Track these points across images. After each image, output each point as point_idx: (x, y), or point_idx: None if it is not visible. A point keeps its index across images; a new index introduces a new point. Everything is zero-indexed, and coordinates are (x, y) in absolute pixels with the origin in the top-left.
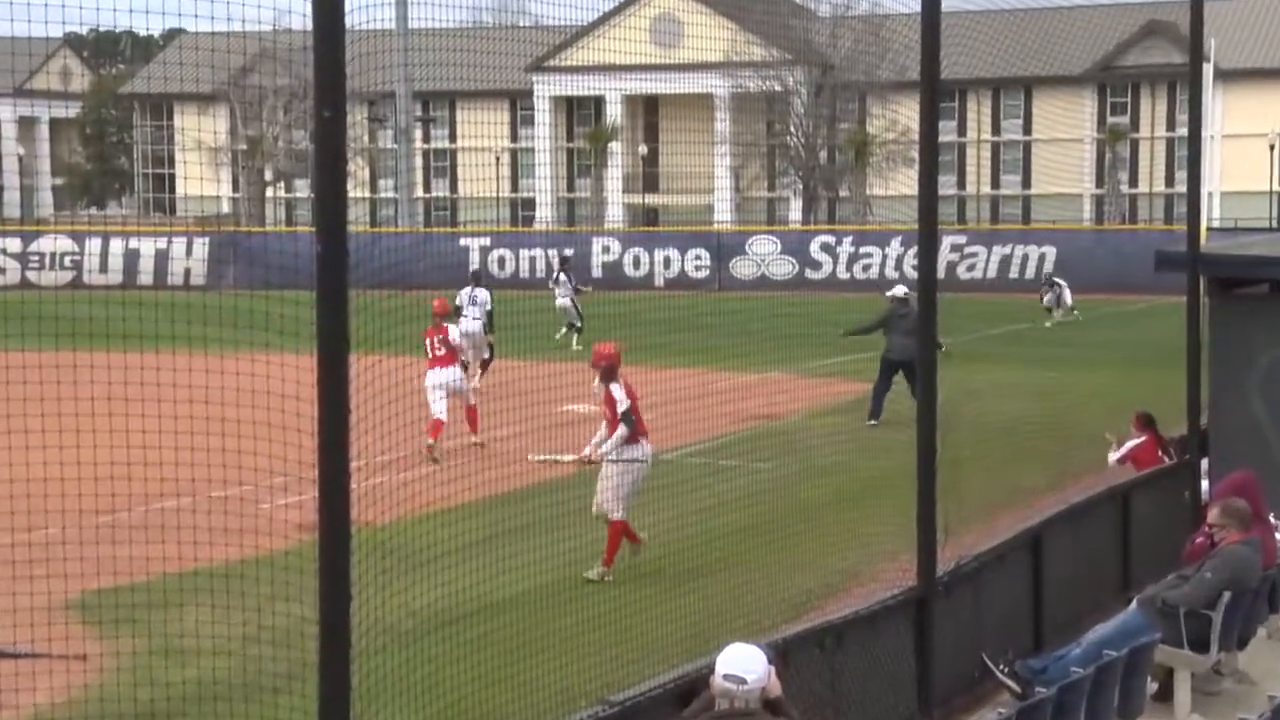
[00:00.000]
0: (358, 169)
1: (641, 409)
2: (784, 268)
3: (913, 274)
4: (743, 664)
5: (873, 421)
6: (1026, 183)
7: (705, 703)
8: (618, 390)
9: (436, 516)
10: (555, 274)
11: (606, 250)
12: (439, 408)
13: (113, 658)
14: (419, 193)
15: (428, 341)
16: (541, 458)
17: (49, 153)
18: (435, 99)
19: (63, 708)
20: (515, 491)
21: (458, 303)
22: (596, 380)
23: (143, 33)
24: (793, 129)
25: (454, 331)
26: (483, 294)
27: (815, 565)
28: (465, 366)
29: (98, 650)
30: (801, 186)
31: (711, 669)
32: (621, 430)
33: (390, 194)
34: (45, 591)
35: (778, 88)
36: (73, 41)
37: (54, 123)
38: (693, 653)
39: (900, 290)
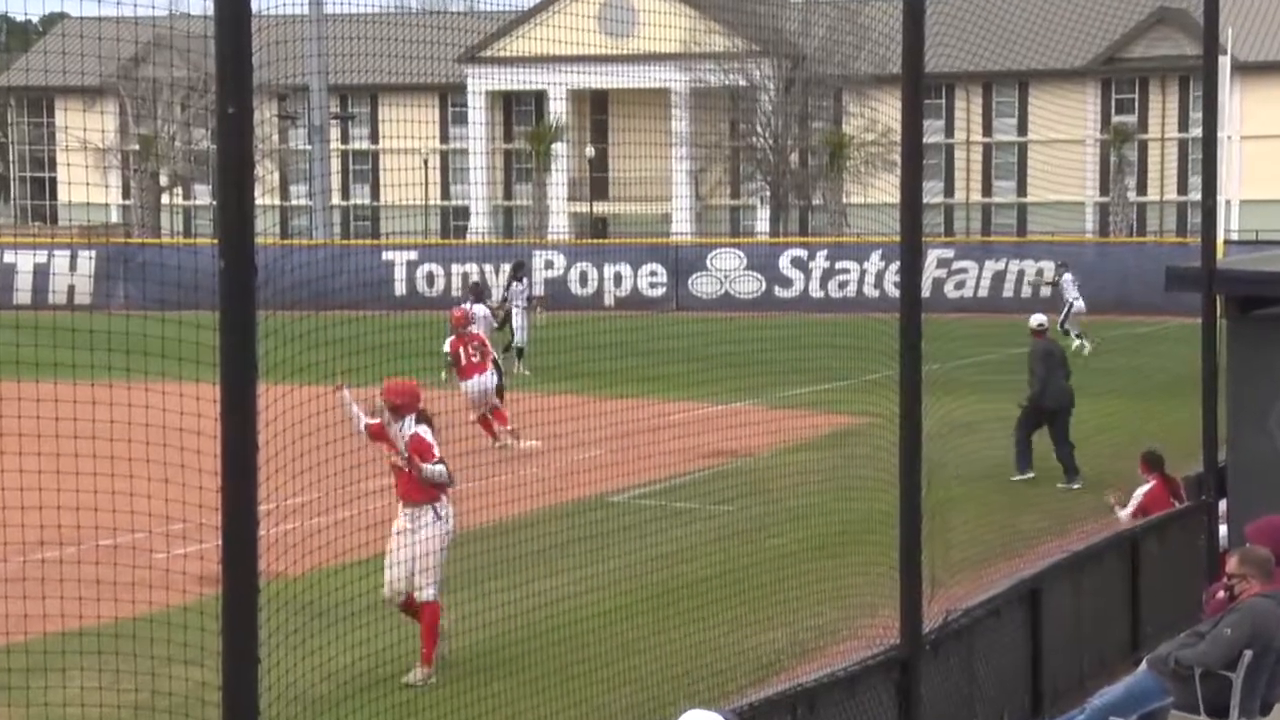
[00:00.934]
0: (266, 173)
1: (584, 442)
2: (750, 284)
3: (894, 292)
4: None
5: (1026, 475)
6: (1022, 189)
7: None
8: (427, 432)
9: (355, 567)
10: (508, 284)
11: (550, 265)
12: (474, 413)
13: None
14: (336, 200)
15: (461, 351)
16: None
17: None
18: (354, 94)
19: None
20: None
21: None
22: (395, 422)
23: (19, 18)
24: (759, 129)
25: (482, 330)
26: (481, 309)
27: (785, 621)
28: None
29: None
30: (769, 193)
31: None
32: (440, 467)
33: (304, 201)
34: None
35: (742, 82)
36: None
37: None
38: (645, 719)
39: (1041, 320)
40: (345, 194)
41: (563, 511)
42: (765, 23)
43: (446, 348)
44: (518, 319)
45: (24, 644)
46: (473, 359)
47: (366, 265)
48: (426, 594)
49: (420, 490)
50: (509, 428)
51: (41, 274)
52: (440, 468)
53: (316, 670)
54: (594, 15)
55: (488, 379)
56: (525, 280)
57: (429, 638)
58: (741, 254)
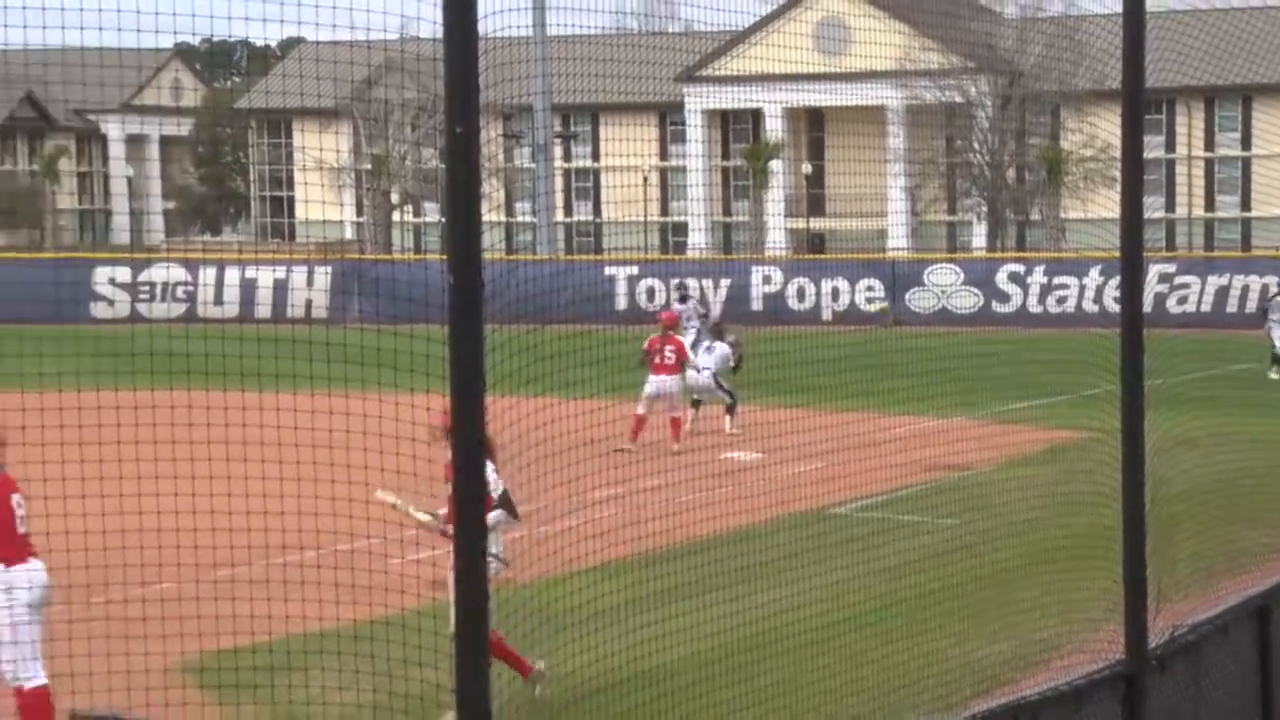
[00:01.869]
0: (492, 190)
1: (806, 455)
2: (967, 300)
3: (1114, 307)
4: None
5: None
6: (1245, 204)
7: None
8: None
9: (582, 575)
10: (688, 306)
11: (767, 280)
12: (643, 406)
13: None
14: (559, 216)
15: (656, 348)
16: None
17: (159, 174)
18: (577, 113)
19: None
20: (666, 549)
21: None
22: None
23: (259, 43)
24: (976, 145)
25: (710, 355)
26: (686, 307)
27: (1008, 634)
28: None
29: (216, 717)
30: (986, 209)
31: None
32: (495, 515)
33: (528, 218)
34: (160, 652)
35: (958, 99)
36: (184, 53)
37: (164, 141)
38: None
39: None
40: (568, 210)
41: (786, 524)
42: (980, 40)
43: (645, 344)
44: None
45: (268, 644)
46: (666, 359)
47: (589, 280)
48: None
49: None
50: (676, 447)
51: (280, 289)
52: (495, 515)
53: (547, 674)
54: (809, 34)
55: (671, 383)
56: (692, 301)
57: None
58: (958, 269)
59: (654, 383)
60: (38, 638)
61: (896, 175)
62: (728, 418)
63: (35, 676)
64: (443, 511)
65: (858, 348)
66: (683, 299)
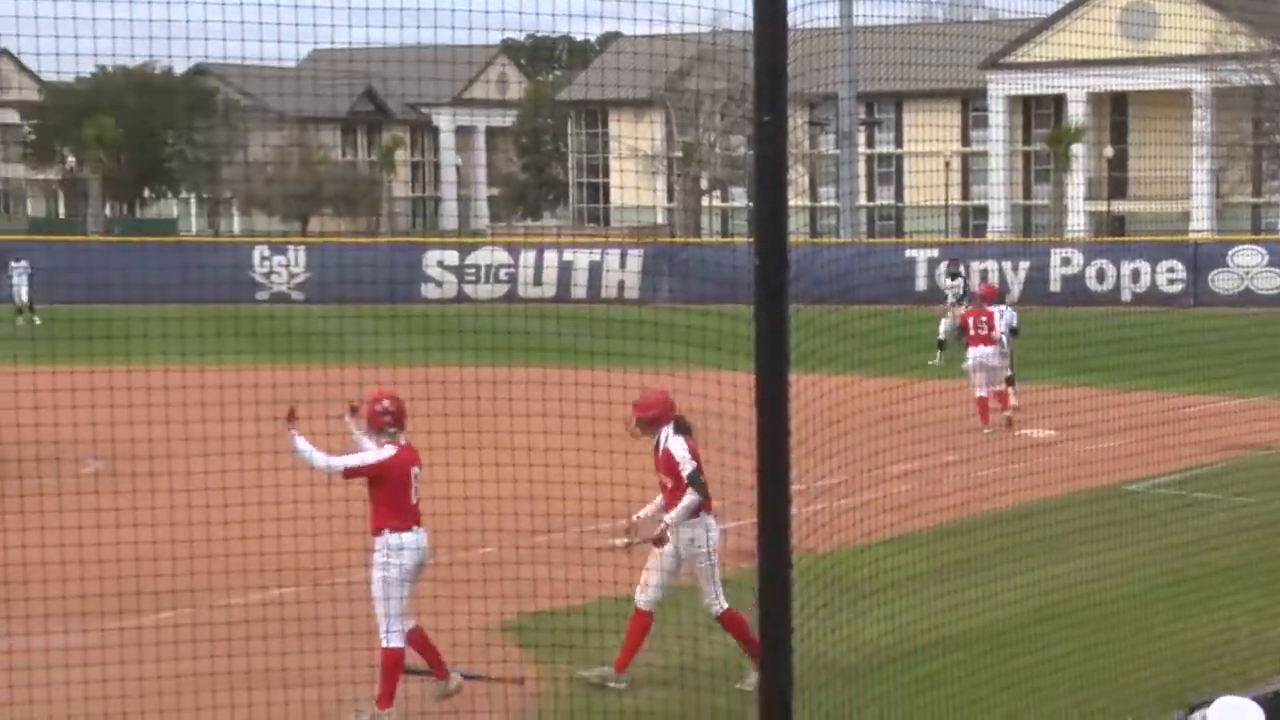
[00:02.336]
0: (798, 176)
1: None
2: (1272, 281)
3: None
4: None
5: None
6: None
7: None
8: (680, 446)
9: (879, 546)
10: (957, 283)
11: (1066, 262)
12: (980, 389)
13: (550, 683)
14: (862, 201)
15: (970, 321)
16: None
17: (485, 163)
18: (880, 100)
19: None
20: (960, 521)
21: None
22: (647, 435)
23: (579, 37)
24: None
25: (1000, 319)
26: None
27: None
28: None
29: (534, 674)
30: None
31: None
32: (690, 498)
33: (832, 202)
34: (483, 612)
35: (1267, 81)
36: (510, 48)
37: (490, 132)
38: (1165, 703)
39: None
40: (870, 195)
41: (1080, 499)
42: None
43: (956, 319)
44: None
45: (582, 606)
46: (980, 331)
47: (890, 262)
48: (716, 608)
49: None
50: (1007, 413)
51: (595, 270)
52: (689, 499)
53: (845, 641)
54: (1115, 20)
55: (989, 353)
56: (961, 279)
57: (744, 640)
58: (1263, 251)
59: (972, 355)
60: (404, 604)
61: (1201, 158)
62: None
63: (392, 638)
64: (644, 513)
65: (1154, 328)
66: (953, 275)
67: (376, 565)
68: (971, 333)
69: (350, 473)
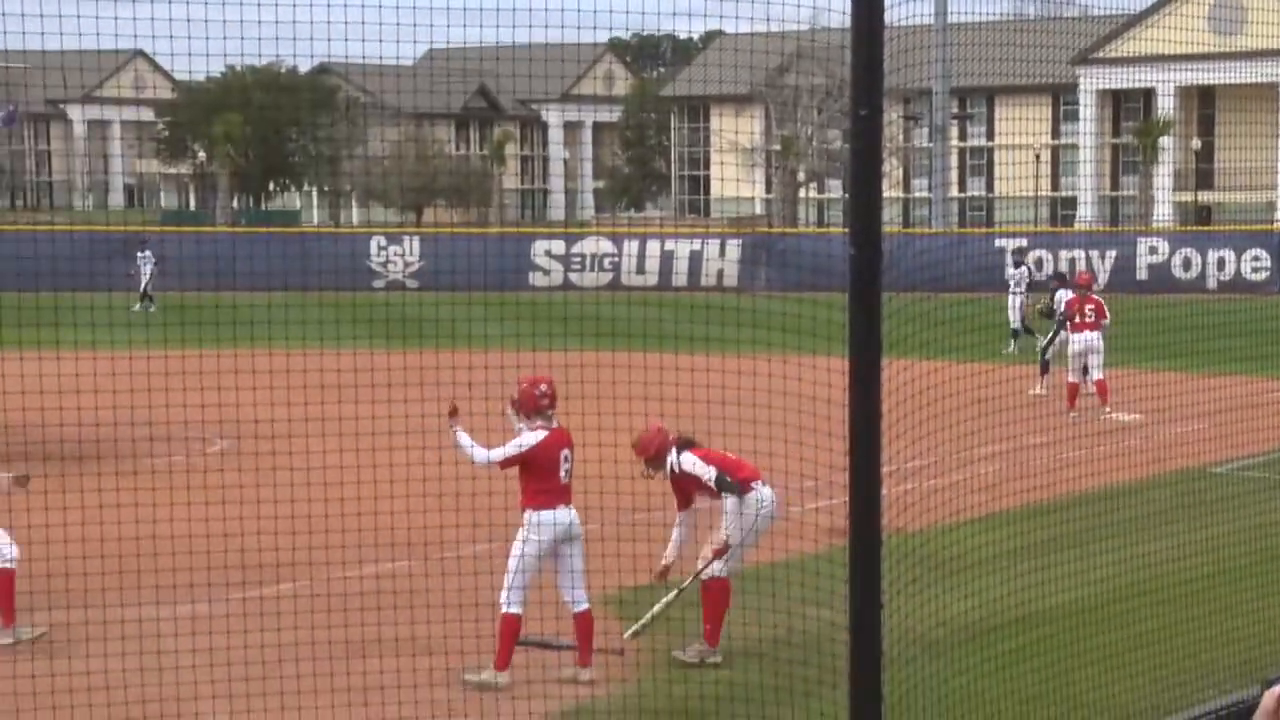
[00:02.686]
0: (892, 169)
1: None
2: None
3: None
4: None
5: None
6: None
7: None
8: (692, 463)
9: (967, 525)
10: (1019, 271)
11: (1153, 251)
12: (1074, 375)
13: (648, 654)
14: (954, 192)
15: (1077, 308)
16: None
17: (591, 156)
18: (972, 95)
19: (602, 700)
20: (1047, 502)
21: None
22: (658, 470)
23: (683, 36)
24: None
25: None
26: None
27: None
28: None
29: (634, 645)
30: None
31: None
32: (731, 501)
33: (924, 193)
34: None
35: None
36: (616, 46)
37: (597, 127)
38: (1246, 678)
39: None
40: (961, 186)
41: (1165, 481)
42: None
43: (1064, 304)
44: (1013, 302)
45: (681, 580)
46: (1086, 318)
47: (980, 251)
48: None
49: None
50: (1107, 409)
51: (695, 260)
52: (730, 503)
53: (932, 616)
54: (1204, 15)
55: (1094, 339)
56: (1025, 267)
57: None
58: None
59: (1077, 340)
60: (529, 577)
61: None
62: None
63: (511, 606)
64: (709, 551)
65: (1239, 315)
66: (1016, 264)
67: (517, 539)
68: (1078, 319)
69: (506, 463)
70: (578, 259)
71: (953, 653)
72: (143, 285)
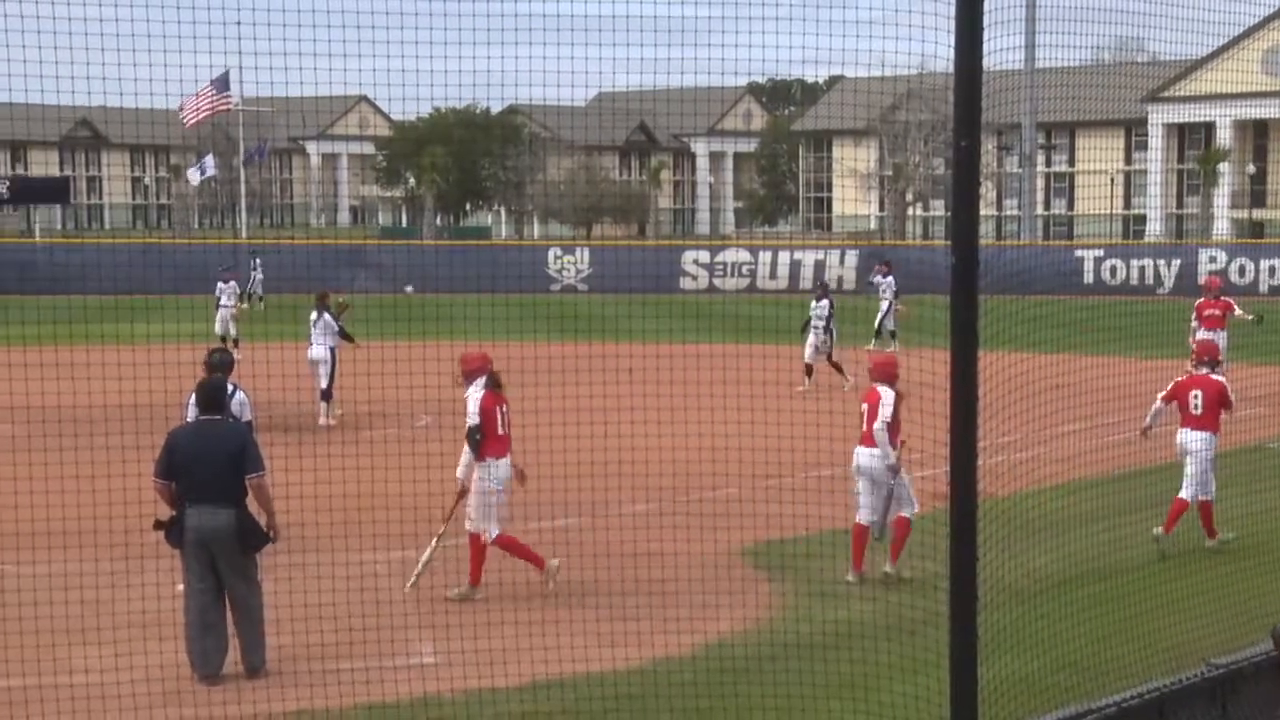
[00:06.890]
0: (986, 191)
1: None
2: None
3: None
4: None
5: None
6: None
7: None
8: (472, 399)
9: (1050, 491)
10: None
11: (1213, 260)
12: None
13: (779, 597)
14: (1039, 210)
15: (1207, 311)
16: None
17: (732, 180)
18: (1056, 128)
19: (739, 635)
20: (1121, 472)
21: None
22: (462, 381)
23: (810, 79)
24: None
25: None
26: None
27: None
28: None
29: (765, 590)
30: None
31: None
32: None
33: (1014, 211)
34: (725, 540)
35: None
36: (754, 89)
37: (737, 156)
38: None
39: None
40: (1046, 205)
41: (1225, 454)
42: None
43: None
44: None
45: (805, 536)
46: (1214, 315)
47: (1062, 260)
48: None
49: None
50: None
51: (819, 267)
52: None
53: (1020, 569)
54: (1258, 60)
55: (1219, 338)
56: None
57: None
58: None
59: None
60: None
61: None
62: None
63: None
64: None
65: None
66: (884, 274)
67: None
68: (1206, 315)
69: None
70: (720, 266)
71: (1036, 599)
72: (257, 289)
